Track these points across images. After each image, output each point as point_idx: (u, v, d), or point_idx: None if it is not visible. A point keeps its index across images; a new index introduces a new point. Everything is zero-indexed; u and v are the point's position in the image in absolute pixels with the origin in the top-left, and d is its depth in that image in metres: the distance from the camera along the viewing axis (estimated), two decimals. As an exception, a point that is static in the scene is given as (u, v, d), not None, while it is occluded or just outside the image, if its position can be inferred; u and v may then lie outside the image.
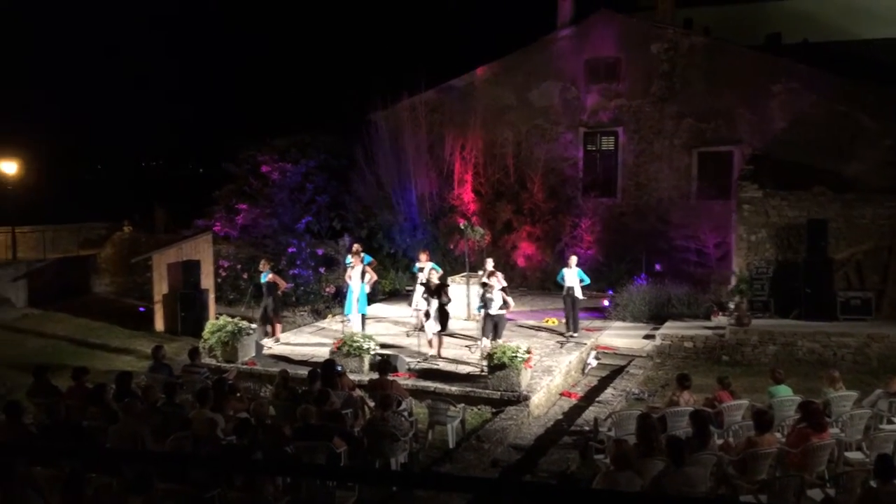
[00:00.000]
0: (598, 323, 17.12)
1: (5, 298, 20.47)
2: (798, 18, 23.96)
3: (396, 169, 22.10)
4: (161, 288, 17.85)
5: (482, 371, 12.74)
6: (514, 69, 22.49)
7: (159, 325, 17.82)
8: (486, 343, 13.41)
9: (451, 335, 15.05)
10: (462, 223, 18.02)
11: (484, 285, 13.95)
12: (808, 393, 10.58)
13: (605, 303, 18.17)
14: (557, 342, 15.24)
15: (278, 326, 15.93)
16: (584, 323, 16.33)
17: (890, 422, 9.74)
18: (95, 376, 12.13)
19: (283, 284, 16.35)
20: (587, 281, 15.75)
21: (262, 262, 16.19)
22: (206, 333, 14.37)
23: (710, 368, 14.02)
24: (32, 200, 28.77)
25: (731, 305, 15.74)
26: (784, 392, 10.14)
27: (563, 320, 16.06)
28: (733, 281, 16.85)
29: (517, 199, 21.74)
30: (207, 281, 18.30)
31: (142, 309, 19.28)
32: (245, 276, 20.01)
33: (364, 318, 15.46)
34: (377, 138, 22.40)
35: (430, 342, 14.15)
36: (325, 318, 18.23)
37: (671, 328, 15.87)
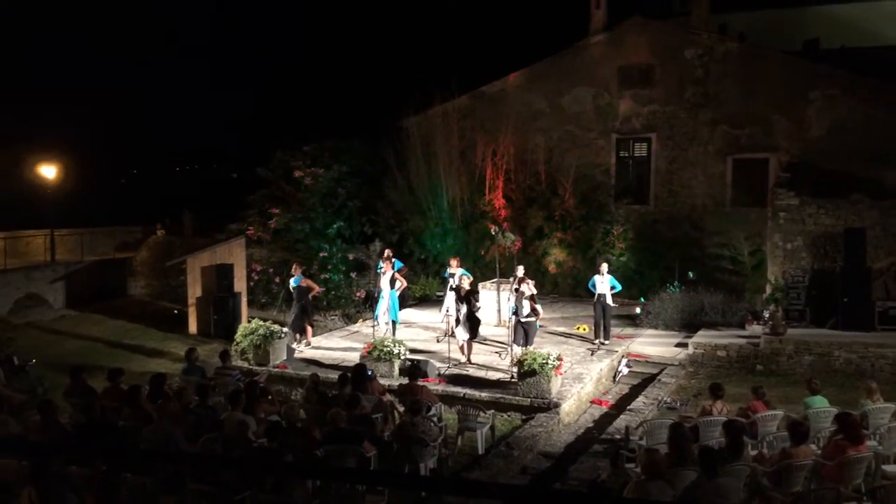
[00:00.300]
0: (629, 330, 16.98)
1: (44, 300, 20.91)
2: (836, 24, 23.58)
3: (428, 174, 22.15)
4: (195, 291, 18.08)
5: (512, 377, 12.70)
6: (546, 75, 22.45)
7: (192, 327, 18.05)
8: (517, 349, 13.38)
9: (482, 341, 15.04)
10: (493, 229, 18.03)
11: (516, 291, 13.92)
12: (845, 404, 10.37)
13: (637, 310, 18.02)
14: (588, 349, 15.14)
15: (309, 330, 16.03)
16: (615, 330, 16.21)
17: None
18: (130, 377, 12.33)
19: (316, 288, 16.47)
20: (619, 288, 15.65)
21: (294, 266, 16.32)
22: (238, 336, 14.51)
23: (744, 378, 13.84)
24: (70, 204, 29.35)
25: (766, 314, 15.50)
26: (820, 403, 9.98)
27: (595, 327, 15.96)
28: (768, 289, 16.60)
29: (548, 205, 21.64)
30: (240, 284, 18.50)
31: (176, 311, 19.55)
32: (277, 280, 20.18)
33: (395, 323, 15.51)
34: (409, 144, 22.48)
35: (460, 348, 14.15)
36: (355, 322, 18.32)
37: (704, 336, 15.69)
